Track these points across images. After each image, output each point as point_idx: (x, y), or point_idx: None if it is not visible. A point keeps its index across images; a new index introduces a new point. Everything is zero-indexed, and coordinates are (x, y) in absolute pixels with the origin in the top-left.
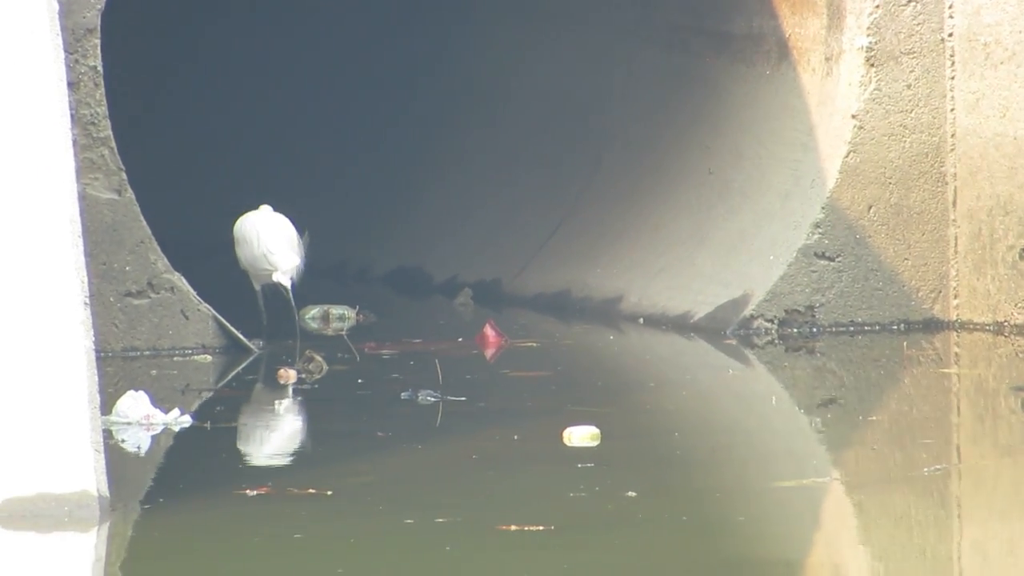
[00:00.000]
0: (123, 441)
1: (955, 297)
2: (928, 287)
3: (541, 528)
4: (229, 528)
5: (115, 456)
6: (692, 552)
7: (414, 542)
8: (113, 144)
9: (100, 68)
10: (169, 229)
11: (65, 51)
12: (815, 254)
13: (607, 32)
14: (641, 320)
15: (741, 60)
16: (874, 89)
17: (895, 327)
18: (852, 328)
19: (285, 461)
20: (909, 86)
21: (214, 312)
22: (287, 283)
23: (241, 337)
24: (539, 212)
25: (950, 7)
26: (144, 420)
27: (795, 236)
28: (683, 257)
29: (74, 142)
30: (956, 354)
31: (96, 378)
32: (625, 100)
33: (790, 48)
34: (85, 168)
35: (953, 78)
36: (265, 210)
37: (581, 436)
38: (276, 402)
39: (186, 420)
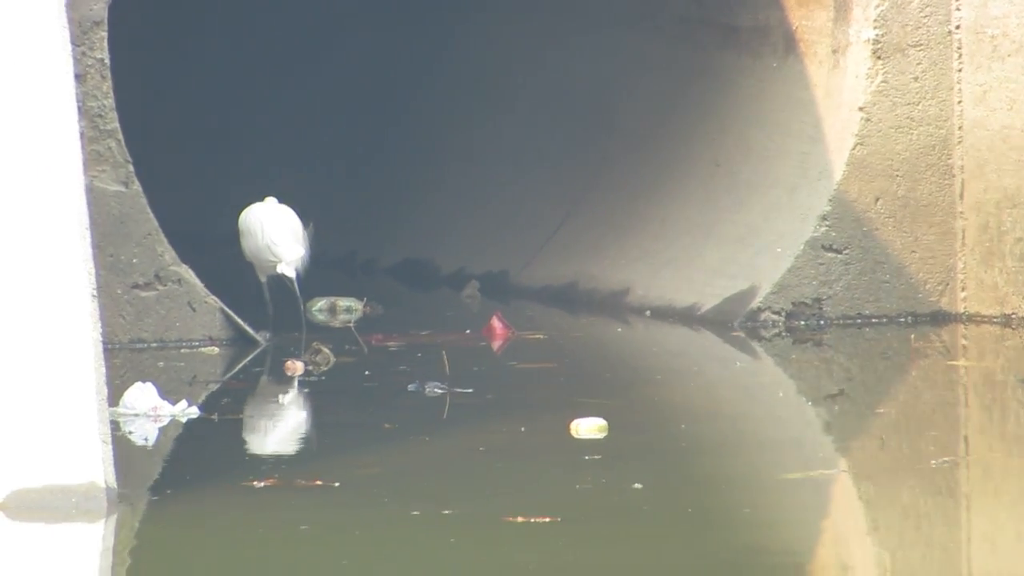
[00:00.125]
0: (130, 433)
1: (962, 290)
2: (935, 280)
3: (548, 520)
4: (236, 519)
5: (122, 448)
6: (698, 544)
7: (420, 534)
8: (120, 136)
9: (107, 60)
10: (176, 221)
11: (72, 43)
12: (822, 246)
13: (614, 25)
14: (648, 312)
15: (748, 53)
16: (881, 81)
17: (902, 319)
18: (859, 320)
19: (292, 453)
20: (916, 78)
21: (221, 304)
22: (291, 274)
23: (248, 329)
24: (546, 204)
25: None
26: (151, 412)
27: (802, 228)
28: (690, 249)
29: (81, 134)
30: (963, 346)
31: (103, 370)
32: (632, 93)
33: (797, 40)
34: (92, 160)
35: (960, 70)
36: (270, 201)
37: (588, 428)
38: (283, 394)
39: (193, 412)
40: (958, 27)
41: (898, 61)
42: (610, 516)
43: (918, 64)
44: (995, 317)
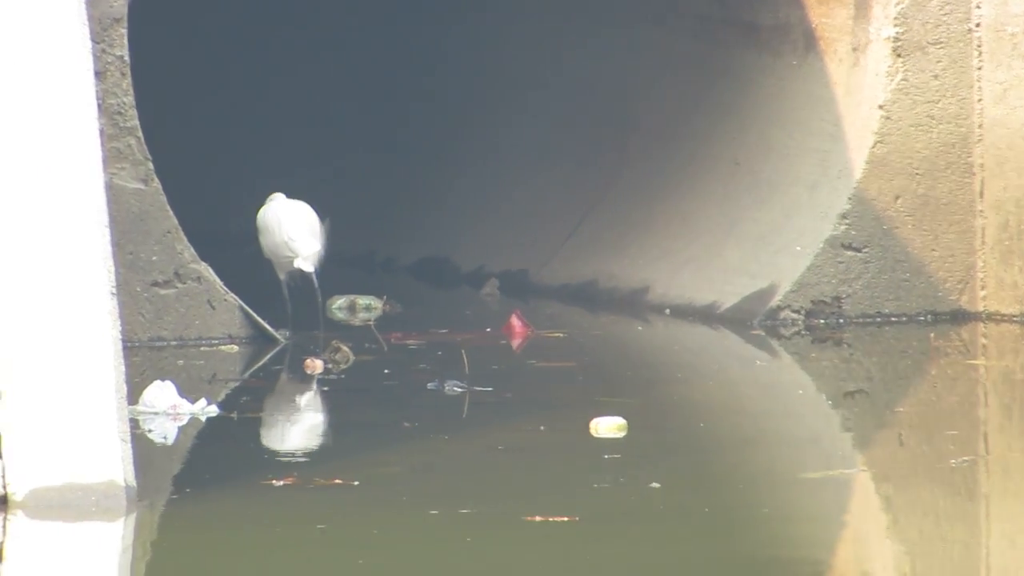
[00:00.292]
0: (150, 431)
1: (982, 288)
2: (955, 278)
3: (566, 519)
4: (255, 518)
5: (142, 446)
6: (716, 543)
7: (437, 533)
8: (140, 134)
9: (127, 58)
10: (196, 219)
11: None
12: (842, 245)
13: (635, 22)
14: (668, 311)
15: (768, 50)
16: (901, 79)
17: (922, 318)
18: (879, 319)
19: (311, 451)
20: (936, 76)
21: (240, 302)
22: (309, 269)
23: (267, 327)
24: (566, 202)
25: None
26: (171, 410)
27: (822, 227)
28: (710, 248)
29: (101, 132)
30: (983, 345)
31: (123, 368)
32: (652, 90)
33: (817, 38)
34: (112, 158)
35: (980, 68)
36: (278, 197)
37: (608, 427)
38: (302, 392)
39: (212, 410)
40: (978, 25)
41: (918, 59)
42: (629, 515)
43: (938, 62)
44: (1015, 316)
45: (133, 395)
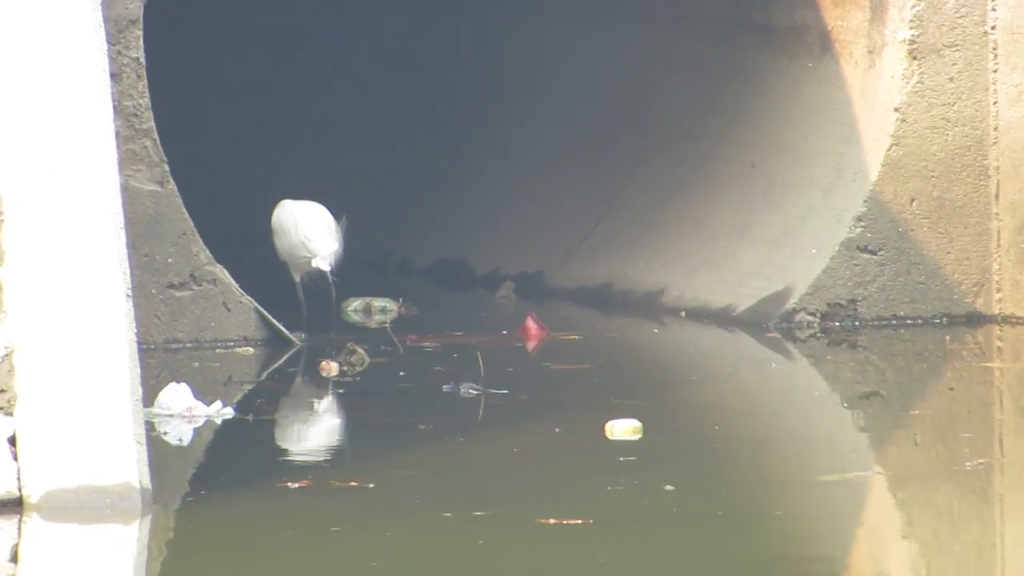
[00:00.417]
0: (165, 433)
1: (998, 291)
2: (970, 281)
3: (580, 522)
4: (270, 521)
5: (157, 448)
6: (730, 546)
7: (451, 535)
8: (156, 136)
9: (143, 59)
10: (211, 221)
11: (108, 42)
12: (857, 247)
13: (649, 24)
14: (683, 313)
15: (783, 53)
16: (917, 82)
17: (937, 321)
18: (894, 322)
19: (326, 454)
20: (952, 79)
21: (256, 304)
22: (326, 268)
23: (283, 329)
24: (581, 205)
25: (993, 0)
26: (186, 412)
27: (837, 229)
28: (725, 250)
29: (117, 134)
30: (998, 348)
31: (138, 370)
32: (667, 92)
33: (832, 41)
34: (128, 160)
35: (996, 71)
36: (287, 202)
37: (623, 429)
38: (318, 395)
39: (228, 412)
40: (994, 28)
41: (934, 62)
42: (642, 518)
43: (954, 65)
44: None
45: (149, 397)
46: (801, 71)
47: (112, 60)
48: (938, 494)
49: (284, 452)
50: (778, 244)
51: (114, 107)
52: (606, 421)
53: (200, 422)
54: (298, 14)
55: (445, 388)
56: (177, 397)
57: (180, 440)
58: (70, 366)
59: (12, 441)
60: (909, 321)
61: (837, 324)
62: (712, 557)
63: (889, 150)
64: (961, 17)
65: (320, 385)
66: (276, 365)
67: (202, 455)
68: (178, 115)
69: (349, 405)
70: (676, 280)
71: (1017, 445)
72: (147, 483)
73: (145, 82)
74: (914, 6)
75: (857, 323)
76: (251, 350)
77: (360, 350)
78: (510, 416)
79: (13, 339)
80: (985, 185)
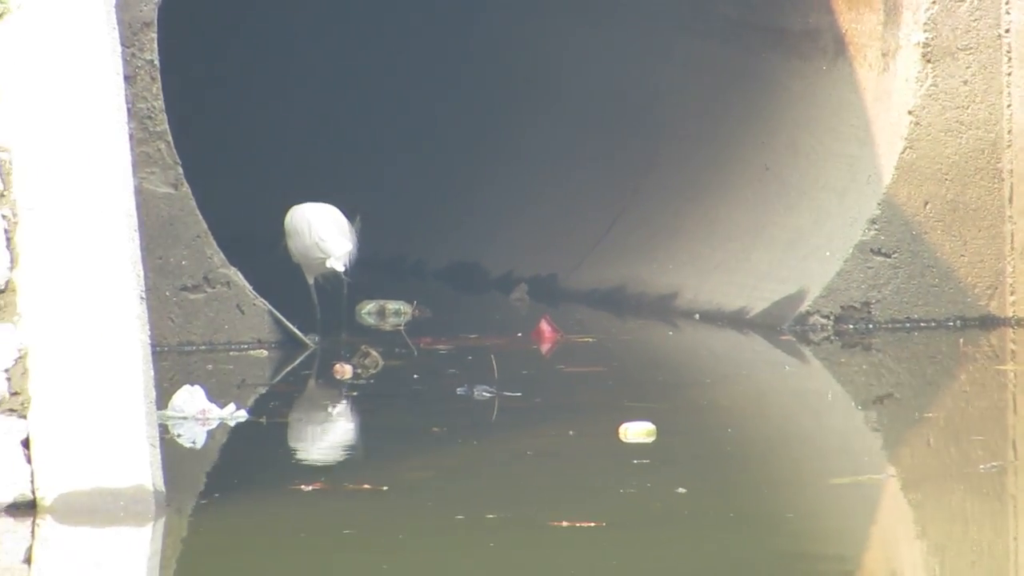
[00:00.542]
0: (179, 436)
1: (1011, 294)
2: (984, 283)
3: (592, 524)
4: (283, 524)
5: (170, 451)
6: (742, 549)
7: (463, 538)
8: (170, 138)
9: (157, 62)
10: (225, 224)
11: (122, 45)
12: (871, 250)
13: (663, 26)
14: (697, 316)
15: (797, 55)
16: (930, 85)
17: (951, 323)
18: (908, 324)
19: (340, 457)
20: (966, 82)
21: (270, 307)
22: (341, 268)
23: (297, 332)
24: (595, 207)
25: (1007, 3)
26: (200, 415)
27: (851, 232)
28: (739, 253)
29: (130, 136)
30: (1012, 351)
31: (152, 373)
32: (681, 95)
33: (846, 43)
34: (141, 162)
35: (1010, 74)
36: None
37: (636, 432)
38: (331, 397)
39: (241, 415)
40: (1007, 31)
41: (948, 64)
42: (655, 521)
43: (967, 68)
44: None
45: (162, 400)
46: (815, 74)
47: (126, 62)
48: (951, 497)
49: (297, 455)
50: (792, 247)
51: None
52: (620, 424)
53: (214, 424)
54: (314, 16)
55: (459, 390)
56: (191, 399)
57: (194, 443)
58: (84, 369)
59: (26, 443)
60: (923, 324)
61: (851, 327)
62: (724, 560)
63: (903, 153)
64: (975, 20)
65: (334, 388)
66: (290, 368)
67: (215, 458)
68: (192, 117)
69: (363, 408)
70: (690, 282)
71: None
72: (160, 486)
73: (159, 84)
74: (928, 9)
75: (871, 326)
76: (265, 352)
77: (374, 352)
78: (524, 419)
79: (27, 342)
80: (999, 188)
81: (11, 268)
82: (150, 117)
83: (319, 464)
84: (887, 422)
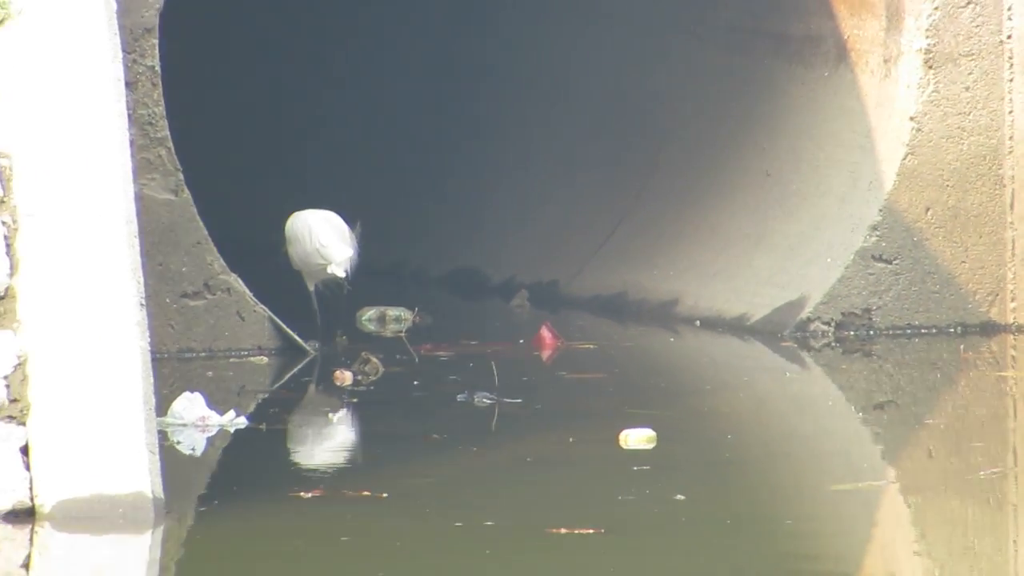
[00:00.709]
0: (178, 443)
1: (1012, 300)
2: (985, 290)
3: (591, 531)
4: (283, 531)
5: (170, 458)
6: (738, 555)
7: (460, 544)
8: (170, 144)
9: (158, 68)
10: (226, 230)
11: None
12: (872, 257)
13: (665, 32)
14: (698, 322)
15: (799, 61)
16: (932, 91)
17: (952, 330)
18: (909, 331)
19: (340, 463)
20: (967, 88)
21: (270, 313)
22: (342, 274)
23: (297, 338)
24: (596, 214)
25: (1009, 9)
26: (199, 422)
27: (852, 238)
28: (740, 259)
29: (131, 142)
30: (1013, 357)
31: (152, 379)
32: (683, 101)
33: (848, 50)
34: (142, 168)
35: (1012, 80)
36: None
37: (637, 438)
38: (331, 404)
39: (241, 422)
40: (1009, 37)
41: (949, 71)
42: (653, 527)
43: (969, 74)
44: None
45: (162, 406)
46: (817, 80)
47: (127, 68)
48: (952, 503)
49: (297, 462)
50: (793, 253)
51: (129, 115)
52: (620, 430)
53: (213, 431)
54: (315, 23)
55: (459, 397)
56: (191, 406)
57: (193, 450)
58: (83, 375)
59: (25, 450)
60: (924, 330)
61: (852, 333)
62: (723, 566)
63: (904, 159)
64: (977, 26)
65: (334, 394)
66: (290, 374)
67: (215, 465)
68: (193, 124)
69: (363, 414)
70: (691, 289)
71: None
72: (160, 493)
73: (160, 91)
74: (930, 15)
75: (872, 332)
76: (265, 359)
77: (374, 359)
78: (524, 425)
79: (27, 348)
80: (1000, 194)
81: (11, 274)
82: (151, 123)
83: (319, 471)
84: (887, 428)
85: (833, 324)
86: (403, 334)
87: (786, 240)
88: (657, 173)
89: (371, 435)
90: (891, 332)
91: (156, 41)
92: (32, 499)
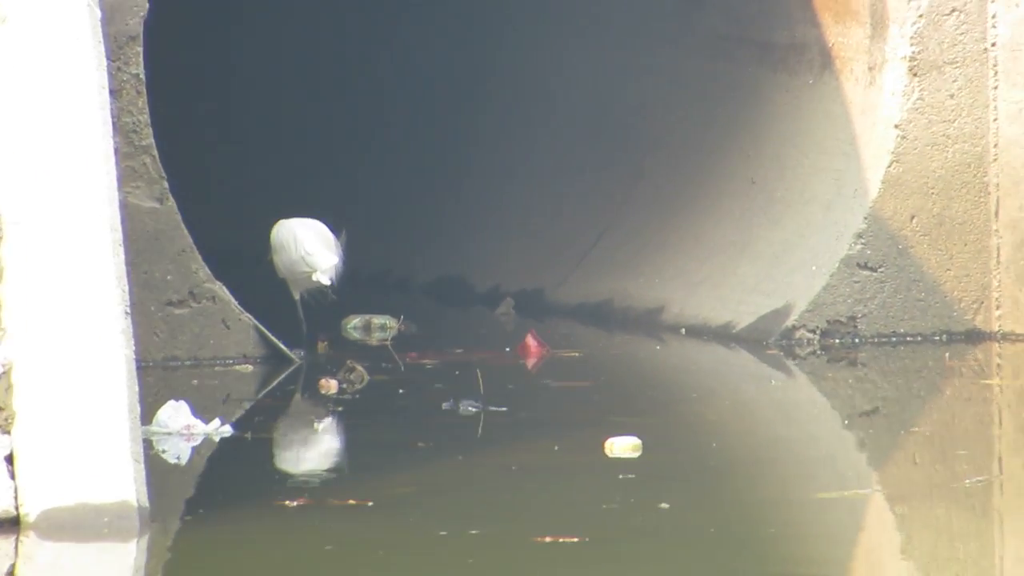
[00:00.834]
0: (163, 451)
1: (997, 308)
2: (970, 298)
3: (576, 540)
4: (268, 539)
5: (155, 466)
6: (722, 564)
7: (443, 553)
8: (155, 152)
9: (143, 76)
10: (211, 238)
11: (107, 59)
12: (857, 264)
13: (649, 40)
14: (683, 330)
15: (784, 69)
16: (917, 99)
17: (937, 338)
18: (894, 339)
19: (325, 472)
20: (952, 96)
21: (255, 321)
22: (327, 282)
23: (282, 347)
24: (581, 222)
25: (993, 17)
26: (184, 430)
27: (837, 246)
28: (725, 267)
29: (116, 150)
30: (998, 365)
31: (136, 388)
32: (668, 109)
33: (833, 57)
34: (127, 176)
35: (996, 88)
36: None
37: (622, 447)
38: (317, 412)
39: (227, 430)
40: (994, 44)
41: (934, 78)
42: (637, 536)
43: (954, 82)
44: None
45: (147, 415)
46: (802, 87)
47: (112, 76)
48: (937, 511)
49: (282, 470)
50: (778, 261)
51: (113, 123)
52: (606, 438)
53: (198, 440)
54: (300, 32)
55: (445, 406)
56: (176, 415)
57: (178, 458)
58: (68, 384)
59: (9, 459)
60: (909, 338)
61: (837, 341)
62: (707, 574)
63: (889, 167)
64: (961, 34)
65: (319, 403)
66: (275, 383)
67: (200, 473)
68: (178, 132)
69: (348, 423)
70: (676, 297)
71: (1016, 462)
72: (145, 501)
73: (145, 99)
74: (914, 23)
75: (857, 340)
76: (250, 367)
77: (359, 367)
78: (509, 434)
79: (11, 357)
80: (985, 202)
81: None
82: (135, 131)
83: (304, 479)
84: (873, 436)
85: (818, 332)
86: (388, 342)
87: (771, 248)
88: (642, 181)
89: (356, 443)
90: (876, 340)
91: (140, 49)
92: (17, 508)
